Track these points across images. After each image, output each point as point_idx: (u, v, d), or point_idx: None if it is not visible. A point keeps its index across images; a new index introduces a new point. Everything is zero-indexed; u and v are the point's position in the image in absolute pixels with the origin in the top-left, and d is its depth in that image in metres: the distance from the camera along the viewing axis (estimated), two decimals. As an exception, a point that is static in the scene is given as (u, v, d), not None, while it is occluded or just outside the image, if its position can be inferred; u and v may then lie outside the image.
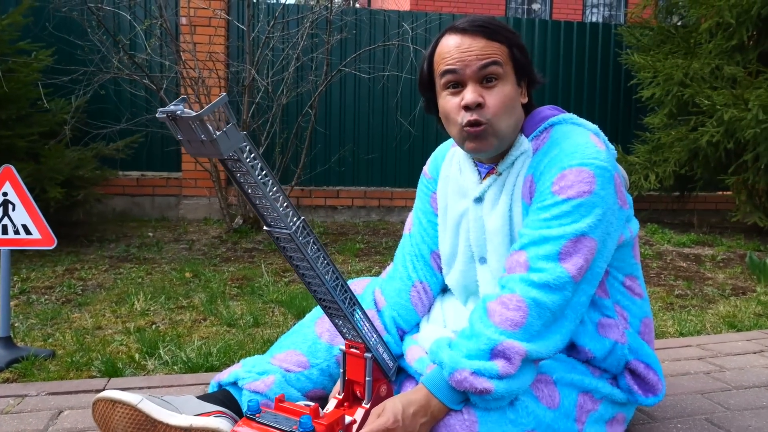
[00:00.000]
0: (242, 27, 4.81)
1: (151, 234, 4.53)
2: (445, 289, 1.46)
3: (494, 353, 1.04)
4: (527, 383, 1.07)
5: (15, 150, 3.68)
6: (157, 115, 0.71)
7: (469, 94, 1.13)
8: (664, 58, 5.23)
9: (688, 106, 4.99)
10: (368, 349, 1.08)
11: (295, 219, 0.88)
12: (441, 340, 1.12)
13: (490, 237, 1.26)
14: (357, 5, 14.42)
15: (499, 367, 1.03)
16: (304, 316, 2.55)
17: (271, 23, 4.78)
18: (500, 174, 1.24)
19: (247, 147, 0.78)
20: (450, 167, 1.38)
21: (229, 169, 0.81)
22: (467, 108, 1.14)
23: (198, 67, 4.48)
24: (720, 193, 6.33)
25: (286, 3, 5.27)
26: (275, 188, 0.84)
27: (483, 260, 1.29)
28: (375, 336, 1.10)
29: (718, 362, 1.96)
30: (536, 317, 1.05)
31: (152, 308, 2.58)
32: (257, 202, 0.85)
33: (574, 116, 1.24)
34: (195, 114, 0.70)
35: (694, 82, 4.80)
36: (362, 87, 5.73)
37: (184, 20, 4.84)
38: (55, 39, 4.54)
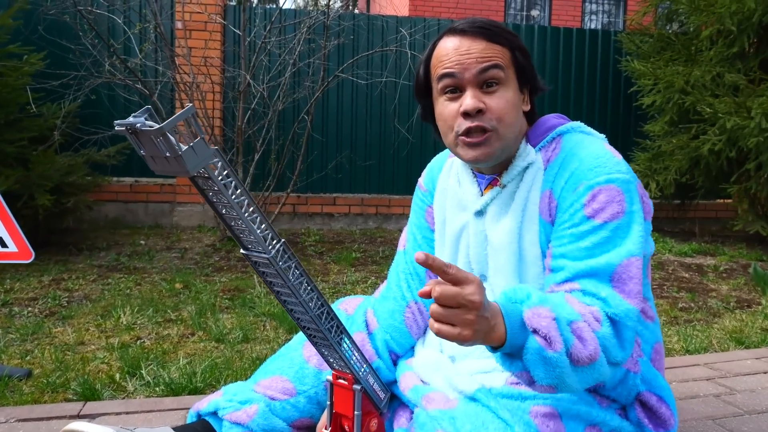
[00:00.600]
0: (238, 32, 4.73)
1: (143, 242, 4.44)
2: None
3: (573, 328, 0.91)
4: (580, 386, 0.94)
5: (3, 156, 3.59)
6: (115, 128, 0.63)
7: (469, 100, 1.05)
8: (664, 65, 5.16)
9: (689, 114, 4.92)
10: (357, 381, 0.99)
11: (274, 242, 0.79)
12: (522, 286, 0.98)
13: (493, 253, 1.17)
14: (356, 11, 14.38)
15: (574, 342, 0.90)
16: (295, 332, 2.47)
17: (268, 28, 4.71)
18: (504, 186, 1.15)
19: (219, 163, 0.70)
20: (448, 179, 1.29)
21: (200, 188, 0.73)
22: (466, 115, 1.05)
23: (192, 72, 4.40)
24: (720, 201, 6.26)
25: (283, 8, 5.19)
26: (252, 208, 0.75)
27: (483, 278, 1.21)
28: (365, 366, 1.02)
29: (728, 383, 1.87)
30: (608, 335, 0.94)
31: (139, 322, 2.49)
32: (232, 224, 0.77)
33: (582, 124, 1.16)
34: (157, 127, 0.62)
35: (695, 89, 4.73)
36: (359, 93, 5.66)
37: (179, 24, 4.77)
38: (46, 42, 4.46)
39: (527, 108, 1.16)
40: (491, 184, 1.19)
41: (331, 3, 4.89)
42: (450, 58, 1.07)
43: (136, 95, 4.77)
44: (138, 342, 2.24)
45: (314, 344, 0.96)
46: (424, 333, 1.32)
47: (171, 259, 3.92)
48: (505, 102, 1.06)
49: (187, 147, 0.64)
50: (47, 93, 4.20)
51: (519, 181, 1.14)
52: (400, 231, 4.72)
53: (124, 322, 2.46)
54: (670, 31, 5.65)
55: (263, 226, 0.77)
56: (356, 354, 0.99)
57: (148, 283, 3.20)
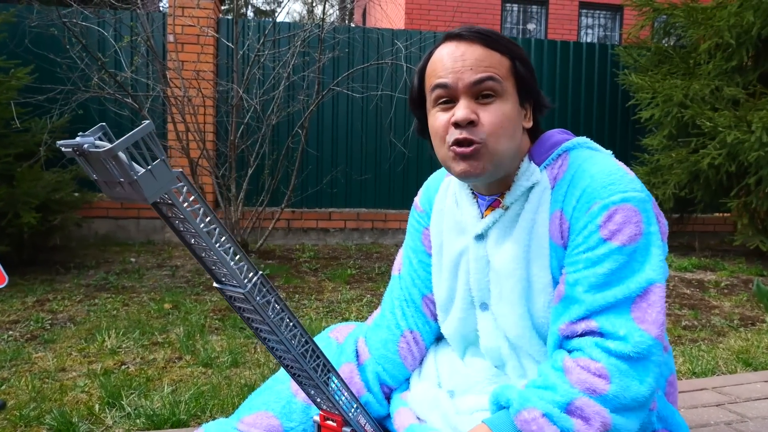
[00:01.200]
0: (231, 45, 4.67)
1: (133, 260, 4.34)
2: (439, 338, 1.29)
3: (571, 409, 0.87)
4: None
5: (-12, 172, 3.51)
6: (62, 149, 0.55)
7: (460, 110, 0.96)
8: (662, 78, 5.12)
9: (688, 128, 4.87)
10: (347, 422, 0.90)
11: (251, 275, 0.71)
12: (506, 386, 0.97)
13: (496, 280, 1.08)
14: (352, 24, 14.40)
15: (575, 425, 0.86)
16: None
17: (261, 41, 4.65)
18: (507, 208, 1.06)
19: (184, 188, 0.61)
20: (445, 199, 1.21)
21: (164, 216, 0.64)
22: (457, 125, 0.97)
23: (184, 86, 4.33)
24: (718, 214, 6.20)
25: (277, 21, 5.14)
26: (223, 237, 0.67)
27: (485, 306, 1.12)
28: (355, 406, 0.93)
29: (738, 410, 1.78)
30: (621, 389, 0.88)
31: (124, 345, 2.39)
32: (203, 255, 0.68)
33: (588, 140, 1.08)
34: (106, 148, 0.53)
35: (695, 103, 4.68)
36: (355, 106, 5.60)
37: (171, 38, 4.71)
38: (33, 56, 4.39)
39: (528, 124, 1.07)
40: (492, 205, 1.10)
41: (326, 16, 4.83)
42: (444, 65, 0.99)
43: (127, 110, 4.70)
44: (122, 368, 2.14)
45: (299, 384, 0.87)
46: (421, 364, 1.23)
47: (161, 277, 3.81)
48: (500, 116, 0.98)
49: (144, 171, 0.56)
50: (34, 108, 4.12)
51: (524, 202, 1.05)
52: (397, 246, 4.65)
53: (109, 346, 2.36)
54: (667, 45, 5.62)
55: (237, 257, 0.69)
56: (345, 393, 0.90)
57: (137, 304, 3.10)
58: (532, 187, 1.04)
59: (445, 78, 0.98)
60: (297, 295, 3.37)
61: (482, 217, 1.11)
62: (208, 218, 0.65)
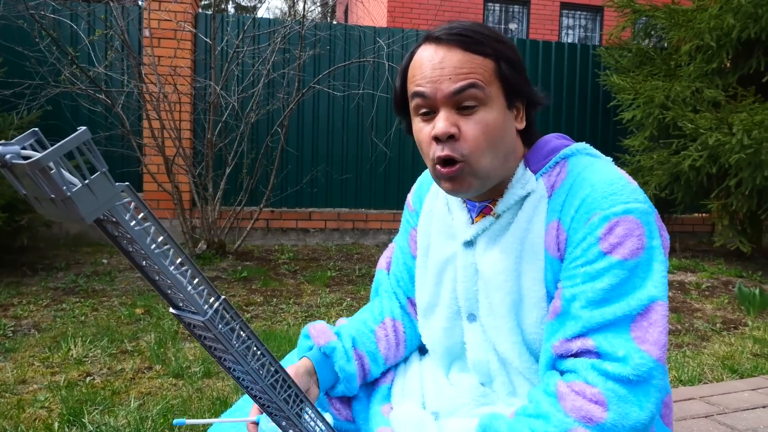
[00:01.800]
0: (208, 41, 4.55)
1: (105, 261, 4.20)
2: (424, 349, 1.22)
3: None
4: None
5: (-50, 170, 3.34)
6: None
7: (440, 123, 0.89)
8: (644, 79, 5.12)
9: (669, 129, 4.87)
10: (322, 455, 0.82)
11: (211, 300, 0.62)
12: (495, 416, 0.89)
13: (485, 290, 1.01)
14: (334, 21, 14.27)
15: None
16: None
17: (240, 37, 4.54)
18: (499, 216, 0.99)
19: (132, 204, 0.53)
20: (436, 200, 1.13)
21: (110, 234, 0.56)
22: (438, 140, 0.90)
23: (159, 82, 4.20)
24: (697, 214, 6.24)
25: (256, 17, 5.02)
26: (179, 259, 0.59)
27: (472, 317, 1.04)
28: (332, 437, 0.85)
29: (728, 421, 1.74)
30: (620, 416, 0.81)
31: (91, 354, 2.28)
32: (156, 279, 0.60)
33: (588, 146, 1.00)
34: (31, 160, 0.45)
35: (676, 104, 4.68)
36: (336, 105, 5.50)
37: (146, 32, 4.57)
38: (0, 48, 4.22)
39: (521, 125, 1.00)
40: (483, 211, 1.03)
41: (308, 13, 4.73)
42: (422, 73, 0.91)
43: (100, 106, 4.55)
44: (87, 379, 2.03)
45: (270, 415, 0.79)
46: (405, 375, 1.15)
47: (134, 279, 3.69)
48: (483, 127, 0.90)
49: (80, 186, 0.47)
50: (1, 103, 3.96)
51: (517, 211, 0.98)
52: (378, 247, 4.56)
53: (74, 355, 2.25)
54: (648, 46, 5.62)
55: (196, 280, 0.60)
56: (320, 426, 0.82)
57: (106, 308, 2.98)
58: (527, 196, 0.97)
59: (423, 87, 0.91)
60: (275, 299, 3.28)
61: (472, 223, 1.03)
62: (161, 238, 0.56)
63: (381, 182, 5.65)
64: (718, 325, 3.01)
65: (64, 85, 3.94)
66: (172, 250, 0.58)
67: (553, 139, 1.02)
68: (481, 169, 0.91)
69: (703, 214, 6.18)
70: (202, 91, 4.85)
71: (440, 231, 1.09)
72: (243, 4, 20.53)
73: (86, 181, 0.48)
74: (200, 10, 5.58)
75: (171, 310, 0.65)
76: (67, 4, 4.43)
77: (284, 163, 5.27)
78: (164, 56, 4.88)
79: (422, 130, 0.93)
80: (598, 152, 1.01)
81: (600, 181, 0.90)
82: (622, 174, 0.92)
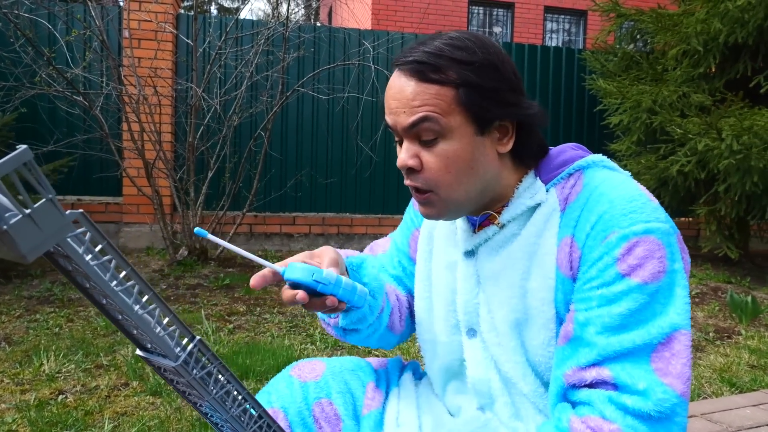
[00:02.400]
0: (190, 42, 4.44)
1: (82, 268, 4.06)
2: (417, 372, 1.14)
3: None
4: None
5: None
6: None
7: (401, 155, 0.87)
8: (630, 83, 5.10)
9: (657, 134, 4.85)
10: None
11: (184, 341, 0.54)
12: None
13: (486, 305, 0.93)
14: (318, 23, 14.16)
15: None
16: (246, 377, 2.19)
17: (222, 38, 4.43)
18: (503, 226, 0.92)
19: (87, 236, 0.44)
20: None
21: (62, 268, 0.47)
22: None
23: (139, 84, 4.08)
24: (682, 219, 6.24)
25: (238, 17, 4.92)
26: (146, 297, 0.50)
27: (472, 333, 0.96)
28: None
29: (729, 439, 1.68)
30: None
31: (64, 370, 2.16)
32: (119, 318, 0.51)
33: (605, 158, 0.93)
34: (-47, 188, 0.36)
35: (663, 109, 4.66)
36: (320, 108, 5.41)
37: (126, 33, 4.44)
38: (-26, 50, 4.07)
39: (505, 149, 0.91)
40: (483, 224, 0.95)
41: (292, 15, 4.64)
42: (387, 102, 0.88)
43: (79, 109, 4.42)
44: (59, 398, 1.92)
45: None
46: (398, 402, 1.07)
47: (112, 287, 3.56)
48: (443, 159, 0.84)
49: (19, 216, 0.39)
50: (-26, 105, 3.82)
51: (524, 222, 0.90)
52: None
53: (47, 371, 2.13)
54: (634, 50, 5.61)
55: (165, 320, 0.52)
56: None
57: (82, 319, 2.86)
58: (536, 207, 0.89)
59: (387, 118, 0.88)
60: (258, 308, 3.18)
61: (474, 232, 0.96)
62: (124, 272, 0.48)
63: (366, 187, 5.56)
64: (711, 334, 2.97)
65: (39, 86, 3.81)
66: (136, 287, 0.49)
67: (567, 149, 0.95)
68: (451, 200, 0.87)
69: (689, 219, 6.18)
70: (184, 94, 4.74)
71: (443, 235, 1.02)
72: (226, 5, 20.35)
73: (28, 211, 0.39)
74: (182, 11, 5.46)
75: (138, 352, 0.56)
76: (43, 3, 4.29)
77: (268, 166, 5.17)
78: (144, 57, 4.75)
79: (399, 156, 0.90)
80: (615, 165, 0.93)
81: (619, 197, 0.83)
82: (642, 190, 0.85)
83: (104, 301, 0.50)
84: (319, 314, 0.98)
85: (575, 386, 0.81)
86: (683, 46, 4.74)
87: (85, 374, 2.13)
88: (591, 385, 0.80)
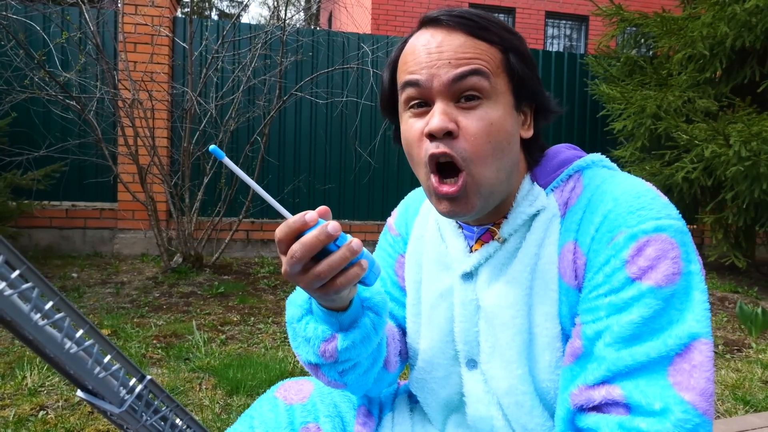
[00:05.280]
0: (185, 45, 4.36)
1: (75, 275, 3.97)
2: (412, 398, 1.04)
3: None
4: None
5: None
6: None
7: (436, 117, 0.73)
8: (634, 89, 5.02)
9: (661, 140, 4.76)
10: None
11: (133, 382, 0.45)
12: None
13: (488, 331, 0.83)
14: (317, 27, 14.13)
15: None
16: (236, 392, 2.09)
17: (219, 42, 4.36)
18: (505, 241, 0.82)
19: (2, 259, 0.35)
20: (426, 224, 0.95)
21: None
22: (432, 137, 0.74)
23: (134, 88, 4.00)
24: (688, 226, 6.15)
25: (236, 21, 4.85)
26: (80, 332, 0.41)
27: (472, 363, 0.86)
28: None
29: (747, 462, 1.59)
30: None
31: (47, 383, 2.07)
32: (53, 357, 0.42)
33: (604, 158, 0.84)
34: None
35: (668, 115, 4.58)
36: (318, 113, 5.33)
37: (121, 36, 4.37)
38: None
39: (528, 134, 0.83)
40: (482, 239, 0.86)
41: (290, 19, 4.57)
42: (417, 58, 0.75)
43: (73, 113, 4.34)
44: (40, 414, 1.83)
45: None
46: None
47: (104, 296, 3.47)
48: (487, 124, 0.73)
49: None
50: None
51: (525, 233, 0.81)
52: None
53: (29, 385, 2.04)
54: (637, 55, 5.53)
55: (107, 358, 0.43)
56: None
57: (70, 329, 2.77)
58: (536, 215, 0.80)
59: (417, 74, 0.74)
60: (252, 318, 3.09)
61: (471, 252, 0.86)
62: (50, 303, 0.39)
63: (365, 193, 5.48)
64: (720, 347, 2.88)
65: (31, 90, 3.73)
66: (68, 319, 0.40)
67: (563, 149, 0.86)
68: (484, 181, 0.75)
69: (693, 226, 6.09)
70: (179, 98, 4.66)
71: (433, 260, 0.92)
72: (226, 11, 20.33)
73: None
74: (179, 14, 5.40)
75: (79, 393, 0.47)
76: (36, 5, 4.21)
77: (265, 172, 5.09)
78: (140, 61, 4.68)
79: (412, 127, 0.77)
80: (615, 165, 0.85)
81: (625, 194, 0.73)
82: (649, 186, 0.76)
83: (30, 337, 0.41)
84: (309, 359, 0.85)
85: (583, 408, 0.72)
86: (688, 51, 4.66)
87: (68, 388, 2.04)
88: (600, 408, 0.70)
